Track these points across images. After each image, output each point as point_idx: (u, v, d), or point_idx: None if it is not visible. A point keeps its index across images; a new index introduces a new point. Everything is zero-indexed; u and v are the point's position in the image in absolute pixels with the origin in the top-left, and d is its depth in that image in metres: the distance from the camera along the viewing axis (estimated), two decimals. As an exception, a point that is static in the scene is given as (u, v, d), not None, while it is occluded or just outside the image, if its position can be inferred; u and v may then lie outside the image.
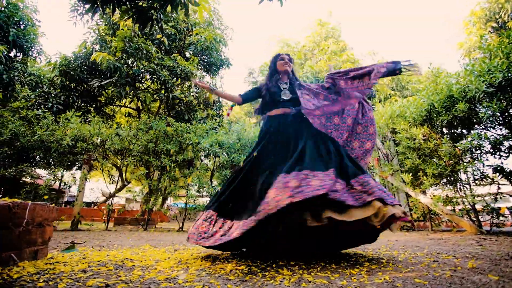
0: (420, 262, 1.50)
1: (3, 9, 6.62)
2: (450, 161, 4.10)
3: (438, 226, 4.81)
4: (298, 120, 2.11)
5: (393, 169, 5.17)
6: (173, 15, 6.91)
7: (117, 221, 7.47)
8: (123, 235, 4.09)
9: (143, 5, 3.50)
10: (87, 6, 3.19)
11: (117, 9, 3.38)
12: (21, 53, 7.17)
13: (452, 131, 4.31)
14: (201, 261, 1.63)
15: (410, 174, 4.56)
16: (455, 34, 9.95)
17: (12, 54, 7.06)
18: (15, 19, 6.84)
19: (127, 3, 3.41)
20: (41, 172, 6.80)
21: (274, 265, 1.47)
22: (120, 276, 1.15)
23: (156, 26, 3.67)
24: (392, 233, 4.24)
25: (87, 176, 5.30)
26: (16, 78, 6.38)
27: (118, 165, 6.01)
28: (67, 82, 6.21)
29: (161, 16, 3.60)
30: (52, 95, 6.35)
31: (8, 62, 6.57)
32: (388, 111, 5.14)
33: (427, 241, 2.87)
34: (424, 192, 4.59)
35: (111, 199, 5.71)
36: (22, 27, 7.01)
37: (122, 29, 5.60)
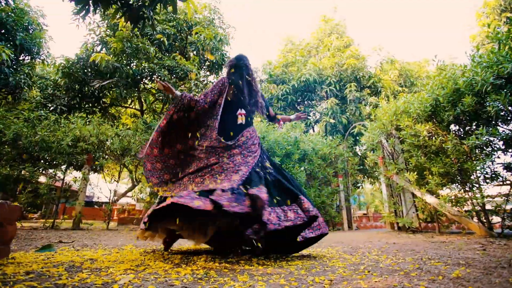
0: (401, 270, 1.35)
1: (10, 13, 6.82)
2: (457, 159, 3.84)
3: (446, 228, 4.54)
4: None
5: (398, 168, 4.93)
6: (173, 15, 6.92)
7: (121, 220, 7.55)
8: (119, 235, 4.08)
9: (133, 3, 3.48)
10: (79, 6, 3.21)
11: (109, 9, 3.38)
12: (29, 57, 7.38)
13: (459, 127, 4.05)
14: (165, 263, 1.53)
15: (415, 173, 4.32)
16: (468, 27, 9.49)
17: (20, 58, 7.27)
18: (22, 23, 7.04)
19: (118, 2, 3.40)
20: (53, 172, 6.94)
21: (236, 268, 1.36)
22: (59, 279, 1.07)
23: (148, 24, 3.65)
24: (394, 236, 4.03)
25: (87, 176, 5.35)
26: (23, 81, 6.55)
27: (127, 165, 6.03)
28: (71, 84, 6.32)
29: (151, 13, 3.57)
30: (56, 96, 6.47)
31: (15, 66, 6.75)
32: (392, 107, 4.90)
33: (427, 245, 2.67)
34: (430, 192, 4.33)
35: (111, 199, 5.74)
36: (29, 31, 7.21)
37: (121, 29, 5.64)
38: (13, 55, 6.32)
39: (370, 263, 1.57)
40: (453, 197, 4.10)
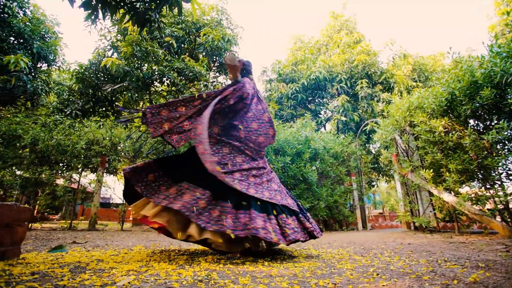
0: (412, 273, 1.27)
1: (27, 23, 7.11)
2: (477, 155, 3.65)
3: (467, 227, 4.32)
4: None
5: (413, 166, 4.75)
6: (181, 18, 6.98)
7: (135, 221, 7.70)
8: (131, 236, 4.15)
9: (140, 7, 3.54)
10: (88, 12, 3.29)
11: (117, 13, 3.46)
12: (45, 64, 7.67)
13: (478, 121, 3.84)
14: (169, 264, 1.52)
15: (431, 170, 4.14)
16: (487, 17, 9.03)
17: (37, 66, 7.57)
18: (39, 32, 7.32)
19: (125, 6, 3.47)
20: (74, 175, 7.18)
21: (240, 269, 1.33)
22: (61, 280, 1.08)
23: (154, 27, 3.70)
24: (409, 236, 3.88)
25: (101, 178, 5.49)
26: (40, 87, 6.80)
27: None
28: (84, 89, 6.51)
29: (157, 16, 3.62)
30: (71, 101, 6.69)
31: (33, 73, 7.03)
32: (406, 103, 4.73)
33: (444, 245, 2.54)
34: (448, 190, 4.13)
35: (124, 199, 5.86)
36: (45, 40, 7.48)
37: (130, 34, 5.75)
38: (30, 63, 6.59)
39: (381, 265, 1.49)
40: (473, 195, 3.90)
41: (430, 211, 4.63)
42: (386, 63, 9.86)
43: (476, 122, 3.89)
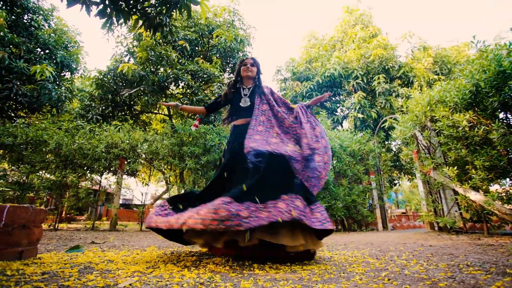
0: (428, 278, 1.18)
1: (52, 34, 7.53)
2: (507, 151, 3.39)
3: (497, 228, 4.02)
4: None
5: (435, 163, 4.50)
6: (194, 21, 7.08)
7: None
8: (149, 236, 4.25)
9: (151, 12, 3.64)
10: (104, 20, 3.43)
11: (130, 19, 3.58)
12: (69, 72, 8.08)
13: (507, 114, 3.57)
14: (176, 265, 1.52)
15: (456, 167, 3.90)
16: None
17: (61, 74, 7.99)
18: (62, 42, 7.73)
19: (137, 12, 3.58)
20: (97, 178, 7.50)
21: (245, 272, 1.30)
22: (67, 281, 1.10)
23: (166, 31, 3.78)
24: (432, 237, 3.67)
25: (120, 180, 5.68)
26: (64, 94, 7.17)
27: (161, 168, 6.29)
28: (104, 94, 6.79)
29: (168, 20, 3.70)
30: (92, 107, 6.99)
31: (57, 81, 7.42)
32: (426, 97, 4.49)
33: (469, 248, 2.37)
34: (474, 188, 3.87)
35: (143, 201, 6.03)
36: (68, 49, 7.89)
37: (145, 39, 5.92)
38: (55, 72, 6.96)
39: (395, 269, 1.41)
40: (503, 194, 3.63)
41: (456, 211, 4.36)
42: (405, 57, 9.45)
43: (505, 115, 3.61)
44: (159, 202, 2.09)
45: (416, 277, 1.22)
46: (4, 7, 7.09)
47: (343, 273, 1.35)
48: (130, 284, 1.07)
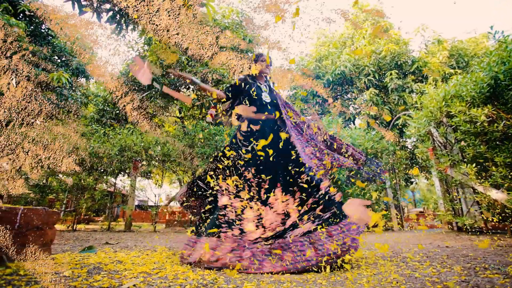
0: (439, 282, 1.13)
1: (67, 42, 7.81)
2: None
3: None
4: (277, 129, 2.07)
5: (452, 160, 4.32)
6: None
7: (168, 223, 8.04)
8: (162, 237, 4.32)
9: (159, 16, 3.69)
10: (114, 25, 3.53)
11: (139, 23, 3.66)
12: (84, 78, 8.36)
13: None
14: (182, 266, 1.53)
15: (474, 164, 3.73)
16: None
17: (77, 80, 8.27)
18: (78, 49, 8.00)
19: (146, 17, 3.64)
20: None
21: (250, 274, 1.29)
22: (74, 281, 1.13)
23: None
24: (450, 238, 3.52)
25: (134, 182, 5.81)
26: (80, 100, 7.42)
27: (174, 170, 6.37)
28: (117, 98, 6.96)
29: (175, 23, 3.75)
30: (106, 111, 7.20)
31: (73, 87, 7.69)
32: (441, 92, 4.32)
33: (489, 250, 2.25)
34: (496, 186, 3.68)
35: (156, 202, 6.15)
36: (82, 56, 8.15)
37: (155, 43, 6.04)
38: (71, 78, 7.22)
39: (405, 272, 1.35)
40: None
41: (476, 210, 4.17)
42: (418, 51, 9.14)
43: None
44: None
45: (427, 280, 1.16)
46: (23, 18, 7.43)
47: (350, 275, 1.32)
48: (134, 285, 1.08)
